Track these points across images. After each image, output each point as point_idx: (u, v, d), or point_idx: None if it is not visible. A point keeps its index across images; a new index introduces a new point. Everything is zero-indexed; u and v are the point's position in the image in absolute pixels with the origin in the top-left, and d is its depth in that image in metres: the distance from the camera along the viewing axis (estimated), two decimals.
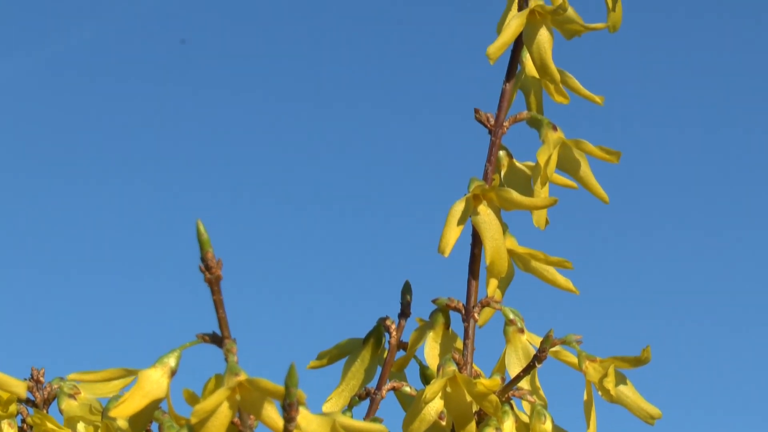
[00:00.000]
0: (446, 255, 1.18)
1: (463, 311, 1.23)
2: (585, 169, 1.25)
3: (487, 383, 1.13)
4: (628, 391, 1.20)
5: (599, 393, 1.18)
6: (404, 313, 1.27)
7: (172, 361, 0.99)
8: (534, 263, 1.26)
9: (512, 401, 1.21)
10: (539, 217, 1.24)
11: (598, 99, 1.29)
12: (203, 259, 1.04)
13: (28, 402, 1.32)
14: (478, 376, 1.23)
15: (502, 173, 1.27)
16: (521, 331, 1.24)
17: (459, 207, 1.19)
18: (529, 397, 1.21)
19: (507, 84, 1.25)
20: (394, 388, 1.25)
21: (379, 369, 1.27)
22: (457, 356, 1.19)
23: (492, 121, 1.23)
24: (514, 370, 1.23)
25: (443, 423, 1.18)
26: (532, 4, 1.22)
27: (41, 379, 1.32)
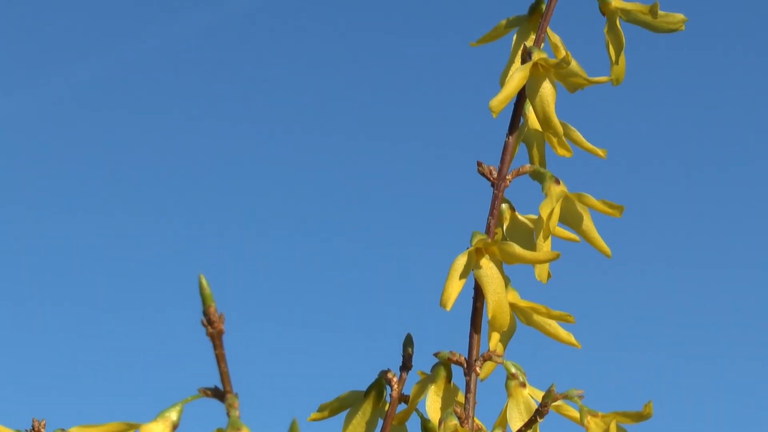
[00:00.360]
0: (448, 309, 1.18)
1: (465, 365, 1.23)
2: (588, 223, 1.25)
3: None
4: None
5: None
6: (406, 366, 1.26)
7: (173, 415, 0.98)
8: (536, 317, 1.26)
9: None
10: (541, 271, 1.23)
11: (601, 152, 1.29)
12: (205, 314, 1.03)
13: None
14: (479, 430, 1.23)
15: (505, 226, 1.27)
16: (523, 385, 1.23)
17: (461, 261, 1.19)
18: None
19: (510, 137, 1.25)
20: None
21: (380, 422, 1.26)
22: (458, 410, 1.19)
23: (495, 174, 1.23)
24: (515, 424, 1.22)
25: None
26: (535, 56, 1.23)
27: (42, 430, 1.31)
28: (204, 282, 1.06)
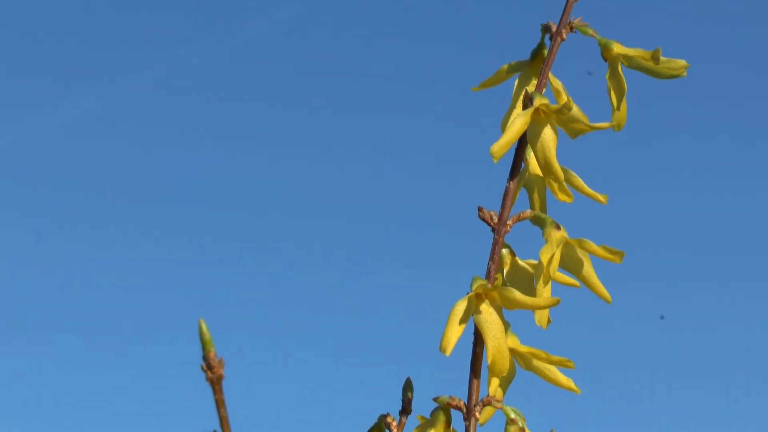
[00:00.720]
0: (448, 354, 1.18)
1: (465, 410, 1.22)
2: (588, 269, 1.24)
3: None
4: None
5: None
6: (405, 410, 1.26)
7: None
8: (536, 362, 1.25)
9: None
10: (541, 317, 1.23)
11: (601, 198, 1.29)
12: (205, 359, 1.03)
13: None
14: None
15: (505, 271, 1.27)
16: (522, 430, 1.23)
17: (461, 306, 1.19)
18: None
19: (510, 182, 1.25)
20: None
21: None
22: None
23: (495, 219, 1.23)
24: None
25: None
26: (536, 102, 1.23)
27: None
28: (204, 327, 1.06)
